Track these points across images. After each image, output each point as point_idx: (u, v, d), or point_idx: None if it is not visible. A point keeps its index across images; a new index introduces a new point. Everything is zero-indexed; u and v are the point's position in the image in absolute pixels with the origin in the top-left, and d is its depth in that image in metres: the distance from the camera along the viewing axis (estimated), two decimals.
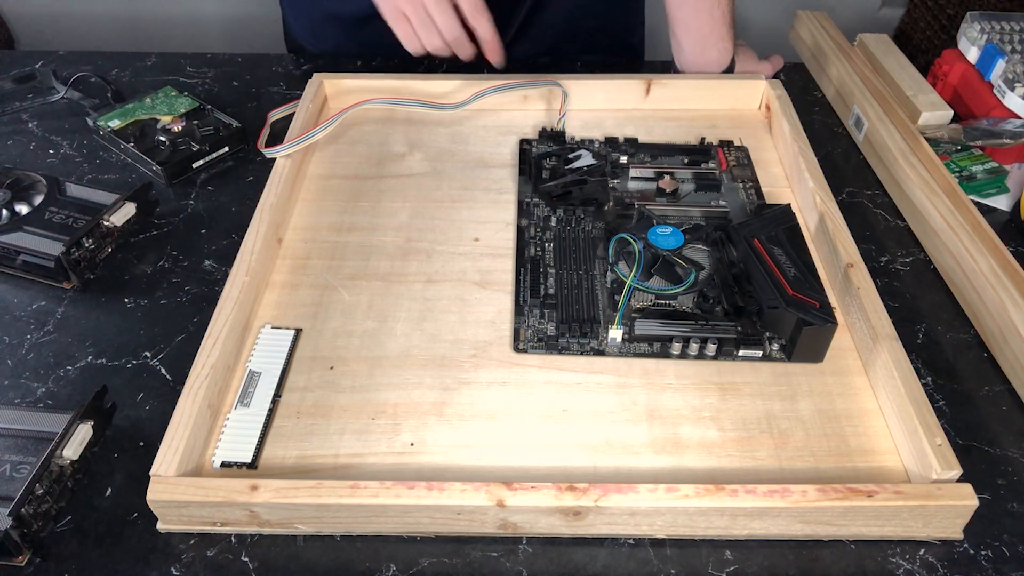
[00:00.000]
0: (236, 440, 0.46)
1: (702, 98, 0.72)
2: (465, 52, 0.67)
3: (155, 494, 0.41)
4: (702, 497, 0.41)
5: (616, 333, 0.51)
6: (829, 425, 0.47)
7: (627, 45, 0.91)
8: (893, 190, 0.65)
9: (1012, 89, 0.66)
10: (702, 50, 0.72)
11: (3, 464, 0.43)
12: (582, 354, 0.51)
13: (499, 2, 0.79)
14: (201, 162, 0.67)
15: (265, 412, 0.47)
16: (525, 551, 0.42)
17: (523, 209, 0.61)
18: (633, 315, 0.52)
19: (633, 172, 0.64)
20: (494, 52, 0.67)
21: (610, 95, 0.72)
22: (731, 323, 0.51)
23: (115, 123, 0.69)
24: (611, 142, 0.67)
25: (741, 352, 0.50)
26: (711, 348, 0.50)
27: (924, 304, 0.57)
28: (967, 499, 0.41)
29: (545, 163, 0.64)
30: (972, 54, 0.71)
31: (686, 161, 0.65)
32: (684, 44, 0.72)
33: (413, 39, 0.66)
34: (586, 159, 0.64)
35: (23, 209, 0.59)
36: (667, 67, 0.76)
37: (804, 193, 0.61)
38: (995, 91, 0.68)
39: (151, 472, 0.42)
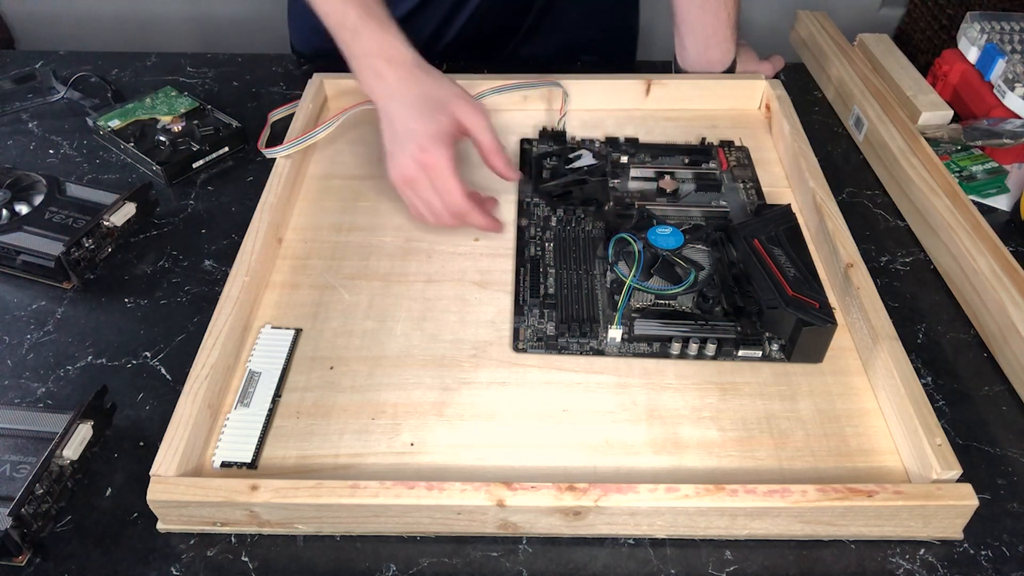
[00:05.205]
0: (236, 440, 0.46)
1: (702, 98, 0.72)
2: (478, 222, 0.56)
3: (155, 494, 0.41)
4: (702, 497, 0.41)
5: (616, 333, 0.51)
6: (829, 425, 0.47)
7: (627, 45, 0.91)
8: (893, 190, 0.65)
9: (1012, 89, 0.66)
10: (705, 49, 0.72)
11: (3, 464, 0.43)
12: (582, 354, 0.51)
13: (507, 10, 0.79)
14: (201, 162, 0.67)
15: (265, 412, 0.47)
16: (525, 551, 0.42)
17: (523, 209, 0.61)
18: (633, 315, 0.52)
19: (633, 172, 0.64)
20: (505, 167, 0.57)
21: (610, 95, 0.72)
22: (731, 323, 0.51)
23: (115, 123, 0.69)
24: (611, 142, 0.67)
25: (741, 352, 0.50)
26: (711, 348, 0.50)
27: (924, 304, 0.57)
28: (967, 499, 0.41)
29: (545, 163, 0.64)
30: (972, 54, 0.71)
31: (686, 161, 0.65)
32: (688, 43, 0.72)
33: (416, 212, 0.57)
34: (586, 159, 0.64)
35: (23, 209, 0.59)
36: (667, 67, 0.76)
37: (804, 193, 0.61)
38: (995, 91, 0.68)
39: (151, 472, 0.42)
